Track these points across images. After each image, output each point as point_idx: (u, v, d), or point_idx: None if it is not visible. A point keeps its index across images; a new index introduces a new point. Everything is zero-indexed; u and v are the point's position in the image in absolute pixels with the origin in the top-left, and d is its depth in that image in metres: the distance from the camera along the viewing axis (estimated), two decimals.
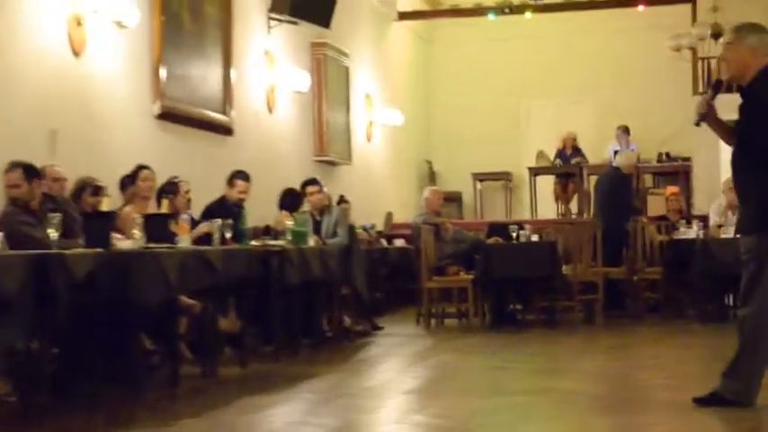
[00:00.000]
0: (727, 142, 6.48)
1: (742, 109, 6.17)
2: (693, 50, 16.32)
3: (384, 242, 14.13)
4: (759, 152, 5.95)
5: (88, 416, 6.17)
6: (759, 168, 5.94)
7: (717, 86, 6.39)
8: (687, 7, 17.11)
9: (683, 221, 12.73)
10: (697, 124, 6.54)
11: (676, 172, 17.55)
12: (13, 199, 6.97)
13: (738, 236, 6.42)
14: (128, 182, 8.50)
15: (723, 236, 11.65)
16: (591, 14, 18.51)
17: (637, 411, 6.36)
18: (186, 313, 7.85)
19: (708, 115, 6.31)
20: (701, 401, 6.09)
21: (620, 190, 12.61)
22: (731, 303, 12.18)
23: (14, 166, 6.97)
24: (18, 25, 8.14)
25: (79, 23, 8.82)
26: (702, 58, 17.12)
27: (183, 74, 10.54)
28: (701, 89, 17.23)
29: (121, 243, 7.03)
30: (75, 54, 8.83)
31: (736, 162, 6.22)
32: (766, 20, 16.27)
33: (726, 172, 16.03)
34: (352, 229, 11.07)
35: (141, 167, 8.55)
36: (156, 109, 10.02)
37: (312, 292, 9.56)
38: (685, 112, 17.31)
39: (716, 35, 14.63)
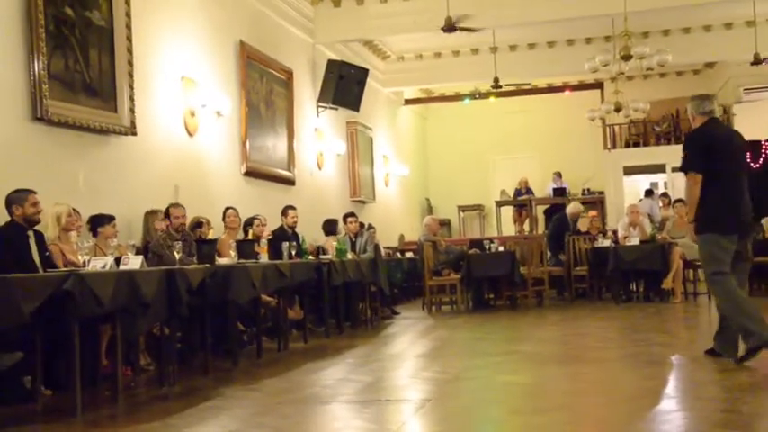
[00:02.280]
0: None
1: None
2: (603, 120, 16.30)
3: (399, 254, 14.12)
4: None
5: (202, 378, 6.18)
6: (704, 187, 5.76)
7: None
8: (597, 91, 17.15)
9: (601, 235, 12.69)
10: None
11: (595, 201, 17.49)
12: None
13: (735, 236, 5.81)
14: (223, 217, 8.57)
15: (627, 243, 11.63)
16: (535, 98, 18.59)
17: (575, 364, 6.33)
18: (266, 306, 7.86)
19: None
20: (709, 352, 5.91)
21: (561, 228, 12.55)
22: (635, 289, 12.16)
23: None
24: (153, 117, 8.26)
25: (192, 114, 8.93)
26: (609, 125, 17.12)
27: (261, 145, 10.61)
28: (608, 145, 17.24)
29: (222, 260, 7.06)
30: (190, 135, 8.93)
31: None
32: (652, 97, 16.26)
33: (627, 200, 16.03)
34: (377, 246, 11.08)
35: (229, 208, 8.63)
36: (243, 169, 10.09)
37: (351, 290, 9.56)
38: (599, 161, 17.44)
39: (617, 109, 14.59)
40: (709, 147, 5.75)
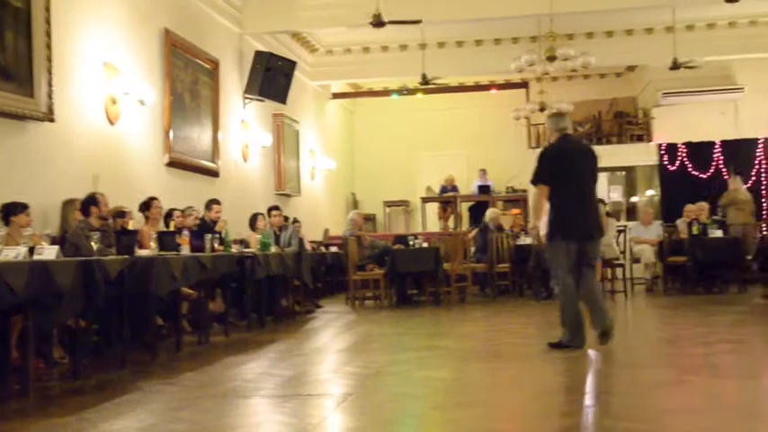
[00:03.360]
0: None
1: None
2: (528, 119, 16.55)
3: (323, 248, 14.09)
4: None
5: (119, 371, 6.05)
6: (551, 198, 6.47)
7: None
8: (523, 91, 17.38)
9: (523, 232, 12.87)
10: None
11: (517, 199, 17.74)
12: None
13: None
14: (144, 207, 8.38)
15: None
16: (462, 95, 18.72)
17: (495, 360, 6.41)
18: (186, 299, 7.74)
19: None
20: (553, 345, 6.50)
21: (484, 235, 12.68)
22: (555, 286, 12.38)
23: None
24: (75, 104, 8.05)
25: (114, 102, 8.74)
26: (533, 125, 17.37)
27: (185, 135, 10.43)
28: (532, 144, 17.50)
29: (142, 251, 6.92)
30: (111, 123, 8.73)
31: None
32: (576, 98, 16.63)
33: None
34: (301, 240, 11.03)
35: (153, 198, 8.45)
36: (166, 159, 9.91)
37: (274, 284, 9.49)
38: (523, 160, 17.68)
39: (542, 109, 14.84)
40: (558, 161, 6.43)
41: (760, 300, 10.24)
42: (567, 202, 6.45)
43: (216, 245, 8.19)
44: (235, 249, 8.85)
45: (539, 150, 7.02)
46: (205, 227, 9.17)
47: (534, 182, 6.58)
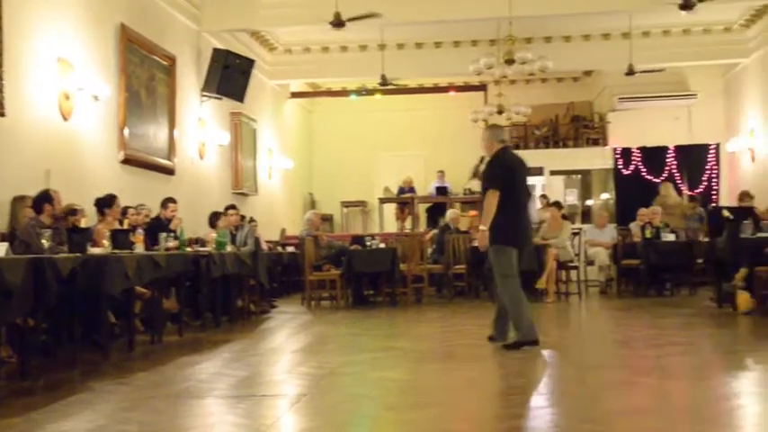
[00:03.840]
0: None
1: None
2: (485, 121, 16.59)
3: (280, 248, 14.04)
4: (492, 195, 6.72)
5: (69, 371, 5.95)
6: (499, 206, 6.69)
7: (482, 159, 7.49)
8: (481, 93, 17.48)
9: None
10: (471, 178, 7.86)
11: (475, 201, 17.81)
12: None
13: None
14: (104, 204, 8.21)
15: None
16: (421, 97, 18.78)
17: (450, 361, 6.44)
18: (140, 298, 7.65)
19: (476, 174, 7.60)
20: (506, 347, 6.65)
21: (442, 235, 12.73)
22: None
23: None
24: (26, 99, 7.91)
25: (68, 98, 8.59)
26: None
27: (141, 132, 10.32)
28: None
29: (95, 249, 6.82)
30: (65, 118, 8.59)
31: (483, 199, 6.86)
32: (533, 101, 16.78)
33: None
34: (257, 239, 10.97)
35: (114, 197, 8.30)
36: (121, 156, 9.79)
37: (229, 283, 9.42)
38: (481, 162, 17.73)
39: (500, 112, 14.95)
40: (509, 171, 6.75)
41: (709, 302, 10.42)
42: (519, 209, 6.83)
43: (170, 243, 8.11)
44: (190, 248, 8.77)
45: (485, 158, 7.31)
46: (160, 225, 9.07)
47: (495, 187, 6.71)
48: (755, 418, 4.15)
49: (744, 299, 9.13)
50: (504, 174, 6.72)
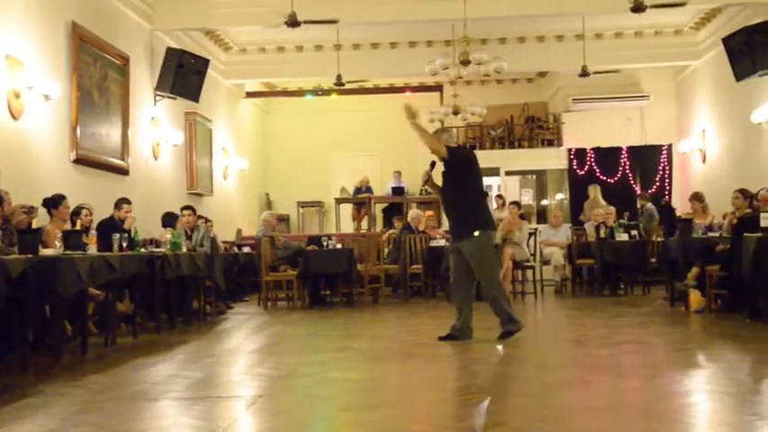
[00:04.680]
0: (438, 194, 7.89)
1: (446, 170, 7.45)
2: (442, 122, 16.67)
3: (236, 249, 13.96)
4: (458, 191, 7.25)
5: (20, 375, 5.85)
6: (462, 201, 7.22)
7: (432, 165, 7.65)
8: (437, 94, 17.57)
9: (438, 234, 12.99)
10: (423, 185, 8.13)
11: (431, 201, 17.90)
12: None
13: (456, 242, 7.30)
14: (51, 204, 8.06)
15: None
16: (376, 97, 18.79)
17: (407, 361, 6.45)
18: (93, 300, 7.55)
19: (427, 181, 7.68)
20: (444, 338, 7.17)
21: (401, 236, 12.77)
22: None
23: None
24: None
25: (17, 96, 8.44)
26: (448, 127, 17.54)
27: (93, 132, 10.18)
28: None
29: (46, 251, 6.71)
30: (14, 118, 8.43)
31: (449, 198, 7.40)
32: (488, 102, 16.88)
33: None
34: (213, 240, 10.89)
35: (62, 197, 8.16)
36: (73, 156, 9.64)
37: (184, 284, 9.34)
38: (438, 163, 17.81)
39: (456, 112, 15.05)
40: (471, 163, 7.35)
41: (662, 301, 10.59)
42: (484, 200, 7.42)
43: (124, 244, 8.01)
44: (145, 249, 8.67)
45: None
46: (114, 226, 8.95)
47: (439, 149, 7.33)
48: (706, 415, 4.23)
49: (695, 298, 9.30)
50: (465, 161, 7.40)
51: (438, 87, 17.45)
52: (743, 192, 9.62)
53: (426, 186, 7.79)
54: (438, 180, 7.52)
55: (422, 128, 7.71)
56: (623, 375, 5.66)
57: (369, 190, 18.45)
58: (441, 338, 7.17)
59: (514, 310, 7.24)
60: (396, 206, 17.71)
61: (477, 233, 7.02)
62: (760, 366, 5.66)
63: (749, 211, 9.16)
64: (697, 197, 10.89)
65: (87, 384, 5.51)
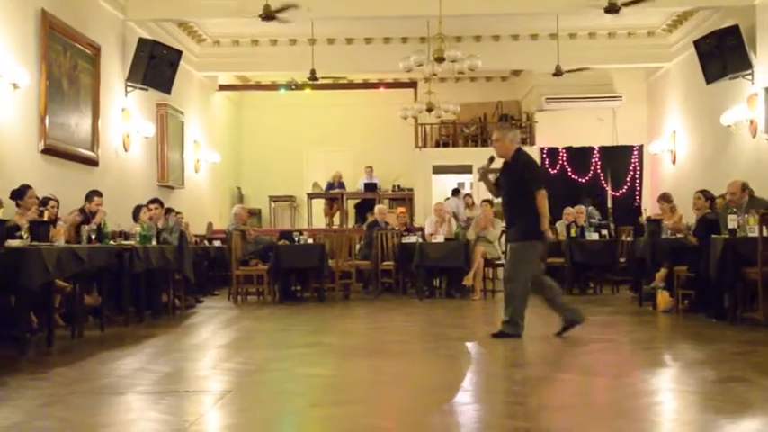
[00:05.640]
0: (492, 193, 7.81)
1: (508, 172, 7.43)
2: (415, 119, 16.75)
3: (206, 243, 13.88)
4: (520, 194, 7.23)
5: None
6: (522, 204, 7.17)
7: (491, 159, 7.60)
8: (411, 90, 17.58)
9: (408, 231, 13.01)
10: (480, 179, 7.72)
11: (404, 198, 17.95)
12: None
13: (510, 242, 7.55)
14: (16, 195, 7.95)
15: (434, 241, 11.99)
16: (350, 92, 18.81)
17: (377, 357, 6.45)
18: (60, 292, 7.47)
19: (483, 176, 7.58)
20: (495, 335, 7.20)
21: (372, 230, 12.77)
22: (438, 285, 12.56)
23: None
24: None
25: None
26: (421, 124, 17.59)
27: (62, 122, 10.06)
28: (419, 144, 17.70)
29: (13, 242, 6.63)
30: None
31: (509, 201, 7.41)
32: (462, 99, 16.93)
33: (435, 198, 16.57)
34: (183, 233, 10.81)
35: (27, 187, 8.04)
36: (41, 146, 9.53)
37: (153, 277, 9.28)
38: (410, 159, 17.88)
39: (429, 109, 15.06)
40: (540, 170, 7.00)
41: (630, 300, 10.70)
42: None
43: (93, 236, 7.94)
44: (114, 242, 8.59)
45: (422, 150, 7.57)
46: (85, 218, 8.87)
47: (541, 187, 7.18)
48: (671, 414, 4.28)
49: (663, 298, 9.40)
50: (540, 173, 7.37)
51: (412, 84, 17.47)
52: (704, 193, 9.75)
53: (482, 181, 7.70)
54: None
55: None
56: (591, 374, 5.70)
57: (341, 185, 18.46)
58: (557, 334, 7.27)
59: (524, 319, 7.30)
60: (368, 202, 17.71)
61: (525, 242, 7.20)
62: (724, 366, 5.73)
63: (709, 212, 9.29)
64: (665, 198, 10.99)
65: (53, 377, 5.45)
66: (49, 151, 9.65)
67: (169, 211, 11.15)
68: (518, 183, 7.27)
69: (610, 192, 16.66)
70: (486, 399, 4.74)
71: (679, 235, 9.71)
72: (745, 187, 8.89)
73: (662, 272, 9.55)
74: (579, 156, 16.87)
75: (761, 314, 7.66)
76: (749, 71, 11.51)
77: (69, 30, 10.23)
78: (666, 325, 8.52)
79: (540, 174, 7.64)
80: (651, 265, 9.77)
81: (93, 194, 9.33)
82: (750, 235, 7.82)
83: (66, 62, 10.16)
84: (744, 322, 7.84)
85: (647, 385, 5.13)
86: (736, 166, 12.14)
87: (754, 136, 11.55)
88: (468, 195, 16.50)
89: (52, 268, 6.55)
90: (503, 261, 12.37)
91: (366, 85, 18.59)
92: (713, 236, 8.23)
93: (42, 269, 6.40)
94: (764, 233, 7.56)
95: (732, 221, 8.12)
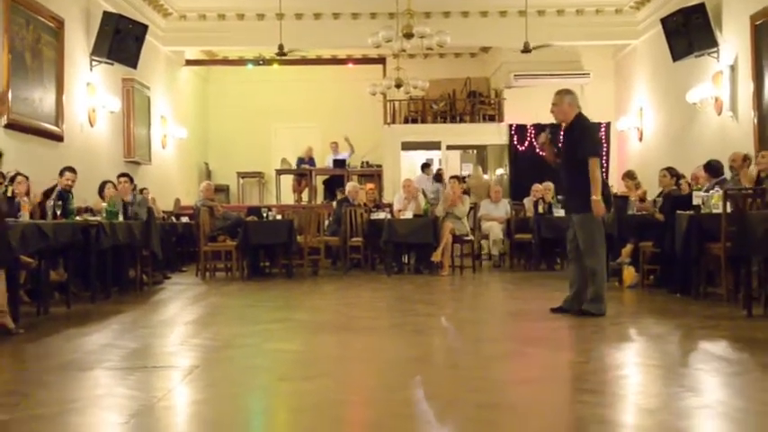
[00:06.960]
0: (551, 161, 7.31)
1: (566, 138, 7.07)
2: (384, 95, 16.69)
3: (174, 218, 13.79)
4: (578, 161, 6.82)
5: None
6: (580, 172, 6.77)
7: (548, 131, 7.30)
8: (380, 66, 17.51)
9: (376, 207, 13.02)
10: (541, 149, 7.59)
11: (373, 174, 17.94)
12: None
13: (571, 214, 7.10)
14: None
15: (402, 217, 12.00)
16: (319, 68, 18.72)
17: (345, 332, 6.46)
18: (25, 268, 7.38)
19: (545, 144, 7.29)
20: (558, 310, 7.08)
21: (340, 208, 12.76)
22: (406, 261, 12.60)
23: None
24: None
25: None
26: (390, 100, 17.55)
27: (26, 96, 9.91)
28: (388, 120, 17.66)
29: None
30: None
31: (566, 169, 7.00)
32: (431, 76, 16.81)
33: (403, 174, 16.58)
34: (150, 209, 10.72)
35: None
36: (4, 120, 9.38)
37: (120, 253, 9.20)
38: (379, 135, 17.84)
39: (398, 85, 15.03)
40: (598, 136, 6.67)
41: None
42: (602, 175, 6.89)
43: (58, 212, 7.84)
44: (80, 218, 8.50)
45: (390, 126, 7.29)
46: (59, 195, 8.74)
47: (595, 153, 6.82)
48: (636, 387, 4.34)
49: (629, 274, 9.51)
50: (599, 140, 6.71)
51: (381, 60, 17.41)
52: (670, 170, 9.87)
53: (542, 151, 7.33)
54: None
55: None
56: (558, 348, 5.76)
57: (311, 161, 18.42)
58: (553, 310, 7.12)
59: (606, 295, 6.96)
60: (337, 178, 17.69)
61: (586, 214, 6.83)
62: (688, 340, 5.82)
63: (675, 188, 9.41)
64: (629, 175, 11.10)
65: (18, 354, 5.41)
66: (12, 126, 9.51)
67: (134, 187, 11.05)
68: (575, 150, 6.89)
69: None
70: (452, 373, 4.78)
71: (644, 212, 9.82)
72: (746, 158, 9.06)
73: (628, 248, 9.66)
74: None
75: (723, 290, 7.78)
76: (715, 49, 11.61)
77: (32, 2, 10.06)
78: (632, 300, 8.63)
79: (596, 140, 7.25)
80: (617, 240, 9.87)
81: (65, 170, 9.18)
82: (714, 212, 7.92)
83: (28, 35, 9.99)
84: (707, 297, 7.97)
85: (612, 359, 5.19)
86: (701, 143, 12.28)
87: (719, 113, 11.68)
88: (439, 171, 16.61)
89: (17, 244, 6.47)
90: (471, 237, 12.46)
91: (334, 61, 18.52)
92: (678, 212, 8.32)
93: (6, 245, 6.31)
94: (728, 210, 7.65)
95: (696, 198, 8.23)
